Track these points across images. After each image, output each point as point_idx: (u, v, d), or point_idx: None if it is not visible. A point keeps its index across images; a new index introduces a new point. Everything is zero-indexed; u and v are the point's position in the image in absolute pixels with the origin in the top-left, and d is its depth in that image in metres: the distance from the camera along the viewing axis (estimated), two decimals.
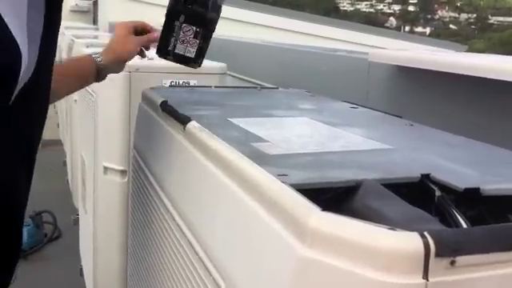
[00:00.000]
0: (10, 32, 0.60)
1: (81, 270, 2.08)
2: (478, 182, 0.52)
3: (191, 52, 0.90)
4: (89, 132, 1.71)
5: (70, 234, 2.76)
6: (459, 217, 0.51)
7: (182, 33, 0.88)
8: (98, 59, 1.13)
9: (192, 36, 0.88)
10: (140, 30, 1.13)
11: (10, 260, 0.77)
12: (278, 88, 1.30)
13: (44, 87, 0.74)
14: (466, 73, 1.06)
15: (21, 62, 0.62)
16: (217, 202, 0.61)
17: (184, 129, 0.77)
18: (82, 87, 1.23)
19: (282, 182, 0.49)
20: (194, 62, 0.91)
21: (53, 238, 3.00)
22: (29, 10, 0.64)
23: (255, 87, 1.33)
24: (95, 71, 1.13)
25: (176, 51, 0.91)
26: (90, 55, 1.14)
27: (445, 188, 0.52)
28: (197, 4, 0.86)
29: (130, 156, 1.26)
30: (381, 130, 0.83)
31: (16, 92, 0.64)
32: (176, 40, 0.89)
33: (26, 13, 0.63)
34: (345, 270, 0.39)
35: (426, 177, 0.55)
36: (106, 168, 1.52)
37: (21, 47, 0.62)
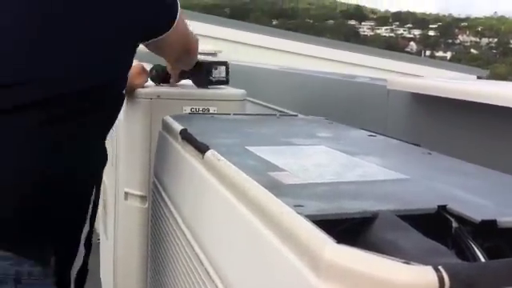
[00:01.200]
0: None
1: None
2: (494, 214, 0.52)
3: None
4: (110, 157, 1.73)
5: (91, 259, 2.77)
6: (476, 249, 0.51)
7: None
8: None
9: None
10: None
11: None
12: (297, 115, 1.31)
13: None
14: (484, 101, 1.05)
15: None
16: (233, 231, 0.61)
17: (202, 157, 0.78)
18: None
19: (298, 213, 0.50)
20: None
21: None
22: None
23: (274, 114, 1.34)
24: None
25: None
26: None
27: (461, 220, 0.52)
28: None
29: (150, 182, 1.27)
30: (398, 158, 0.83)
31: None
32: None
33: None
34: None
35: (442, 208, 0.55)
36: (126, 193, 1.53)
37: None
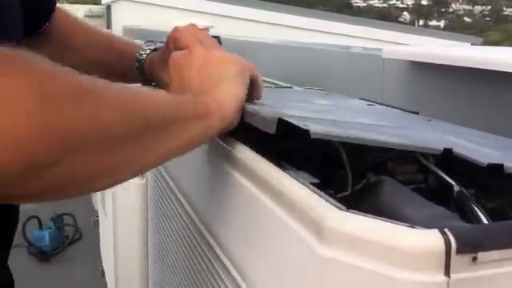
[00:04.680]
0: None
1: (102, 271, 2.10)
2: (501, 160, 0.51)
3: None
4: None
5: (90, 236, 2.79)
6: (479, 212, 0.51)
7: None
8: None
9: None
10: None
11: None
12: (291, 87, 1.30)
13: None
14: (482, 67, 1.04)
15: None
16: (232, 201, 0.61)
17: None
18: None
19: (299, 182, 0.49)
20: None
21: (74, 239, 3.04)
22: None
23: (269, 87, 1.33)
24: None
25: None
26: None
27: (468, 164, 0.51)
28: None
29: None
30: (399, 122, 0.82)
31: None
32: None
33: None
34: (365, 269, 0.38)
35: (448, 151, 0.54)
36: None
37: None
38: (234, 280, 0.58)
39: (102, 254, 2.16)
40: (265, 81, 2.15)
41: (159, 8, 6.17)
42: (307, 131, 0.51)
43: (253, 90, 0.68)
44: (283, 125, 0.56)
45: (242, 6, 6.80)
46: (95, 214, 2.53)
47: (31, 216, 2.93)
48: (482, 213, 0.51)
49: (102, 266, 2.12)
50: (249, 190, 0.56)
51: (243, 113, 0.65)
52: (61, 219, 3.09)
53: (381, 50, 1.45)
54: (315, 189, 0.47)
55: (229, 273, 0.59)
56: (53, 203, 3.24)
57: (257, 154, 0.59)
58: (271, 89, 1.26)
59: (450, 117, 0.88)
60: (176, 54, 0.67)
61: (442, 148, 0.54)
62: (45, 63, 0.41)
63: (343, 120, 0.68)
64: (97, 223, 2.35)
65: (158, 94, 0.56)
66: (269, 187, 0.52)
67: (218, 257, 0.63)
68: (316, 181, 0.51)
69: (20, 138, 0.36)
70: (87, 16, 6.27)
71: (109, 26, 6.39)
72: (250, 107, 0.66)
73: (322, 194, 0.46)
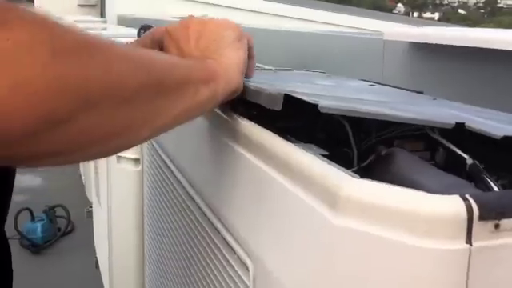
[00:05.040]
0: None
1: (96, 262, 2.07)
2: None
3: None
4: None
5: (83, 228, 2.76)
6: (493, 184, 0.49)
7: None
8: None
9: None
10: None
11: None
12: (292, 69, 1.27)
13: None
14: (482, 46, 1.03)
15: None
16: (236, 176, 0.59)
17: None
18: None
19: (308, 152, 0.47)
20: None
21: (66, 231, 3.01)
22: None
23: (270, 69, 1.31)
24: None
25: None
26: None
27: (481, 137, 0.49)
28: None
29: (144, 144, 1.24)
30: (404, 99, 0.81)
31: None
32: None
33: None
34: (382, 237, 0.36)
35: (460, 125, 0.52)
36: (119, 157, 1.51)
37: None
38: (238, 258, 0.56)
39: (96, 244, 2.14)
40: (263, 68, 2.12)
41: None
42: (316, 105, 0.49)
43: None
44: (290, 101, 0.54)
45: None
46: (88, 205, 2.50)
47: (23, 208, 2.90)
48: (497, 185, 0.49)
49: (95, 257, 2.09)
50: (255, 163, 0.54)
51: (245, 90, 0.63)
52: (53, 211, 3.06)
53: (380, 33, 1.43)
54: (326, 159, 0.45)
55: (233, 251, 0.57)
56: (45, 195, 3.21)
57: (262, 128, 0.57)
58: (272, 71, 1.24)
59: (450, 97, 0.86)
60: (171, 29, 0.65)
61: (453, 122, 0.52)
62: (52, 18, 0.40)
63: (350, 96, 0.67)
64: (90, 214, 2.32)
65: (165, 56, 0.55)
66: (277, 160, 0.50)
67: (221, 235, 0.61)
68: (325, 152, 0.49)
69: (37, 90, 0.35)
70: (81, 5, 6.23)
71: (103, 15, 6.34)
72: (253, 85, 0.64)
73: (334, 163, 0.44)
